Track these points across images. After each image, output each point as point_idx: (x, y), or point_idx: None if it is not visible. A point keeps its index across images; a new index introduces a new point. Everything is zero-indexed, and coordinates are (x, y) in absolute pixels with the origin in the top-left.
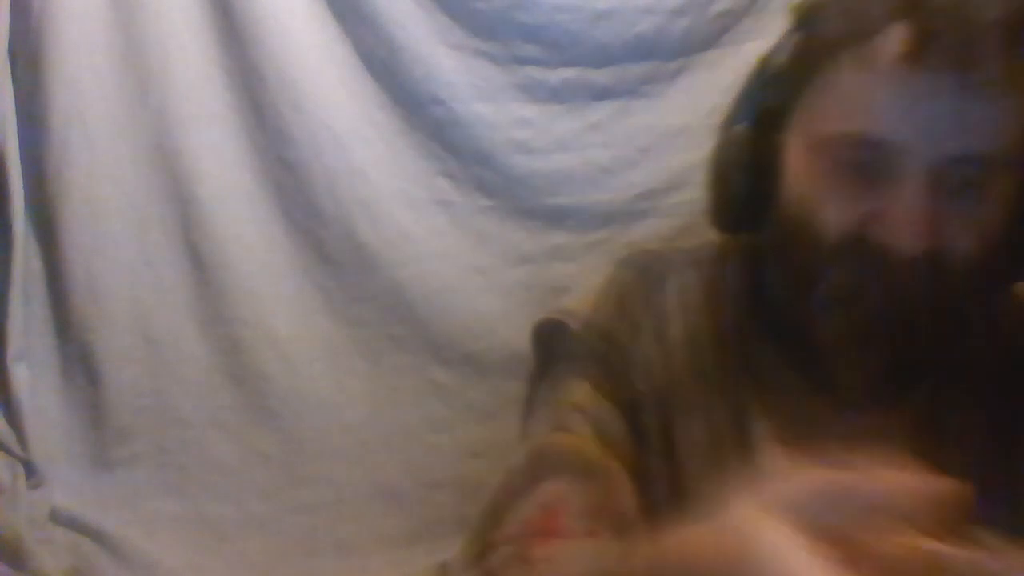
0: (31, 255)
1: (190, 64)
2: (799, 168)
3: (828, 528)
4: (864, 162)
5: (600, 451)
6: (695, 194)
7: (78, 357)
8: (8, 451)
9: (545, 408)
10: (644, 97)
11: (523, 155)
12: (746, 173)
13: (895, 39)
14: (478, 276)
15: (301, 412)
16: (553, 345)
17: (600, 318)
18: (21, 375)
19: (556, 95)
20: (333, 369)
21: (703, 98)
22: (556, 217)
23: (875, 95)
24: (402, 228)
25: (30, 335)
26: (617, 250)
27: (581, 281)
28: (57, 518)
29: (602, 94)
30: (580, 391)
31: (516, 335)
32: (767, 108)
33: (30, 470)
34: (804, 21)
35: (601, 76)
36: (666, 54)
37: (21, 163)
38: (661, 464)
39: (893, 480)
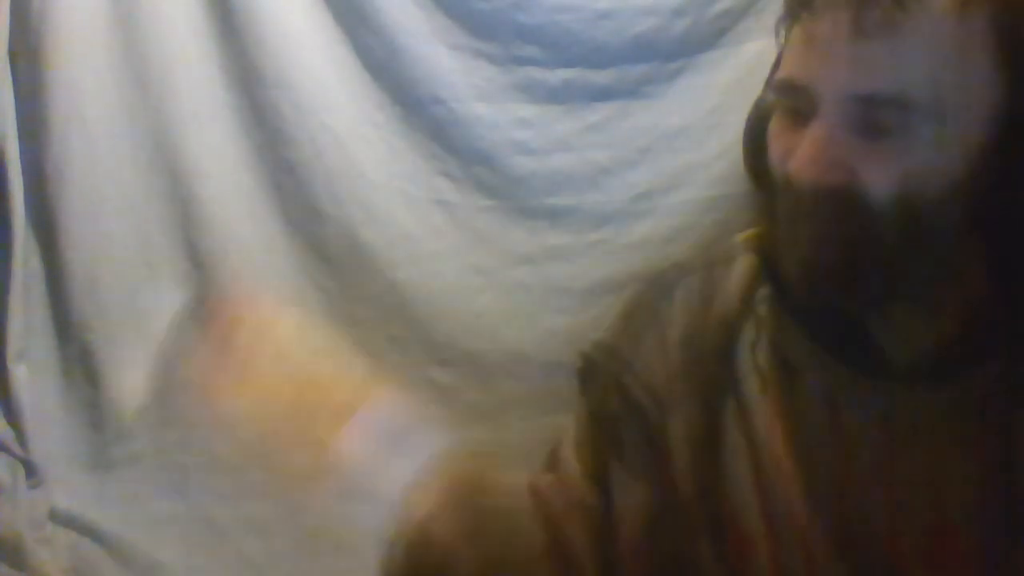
0: (31, 255)
1: (190, 64)
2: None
3: None
4: (793, 107)
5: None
6: (695, 194)
7: (78, 357)
8: (8, 451)
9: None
10: (644, 97)
11: (523, 155)
12: (754, 143)
13: None
14: (478, 276)
15: None
16: (584, 382)
17: (607, 337)
18: (21, 375)
19: (556, 95)
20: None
21: (703, 98)
22: (556, 217)
23: (796, 42)
24: (402, 228)
25: (30, 335)
26: (617, 250)
27: (581, 281)
28: (57, 518)
29: (602, 94)
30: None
31: (516, 335)
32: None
33: (30, 470)
34: None
35: (601, 76)
36: (666, 54)
37: (21, 163)
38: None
39: None
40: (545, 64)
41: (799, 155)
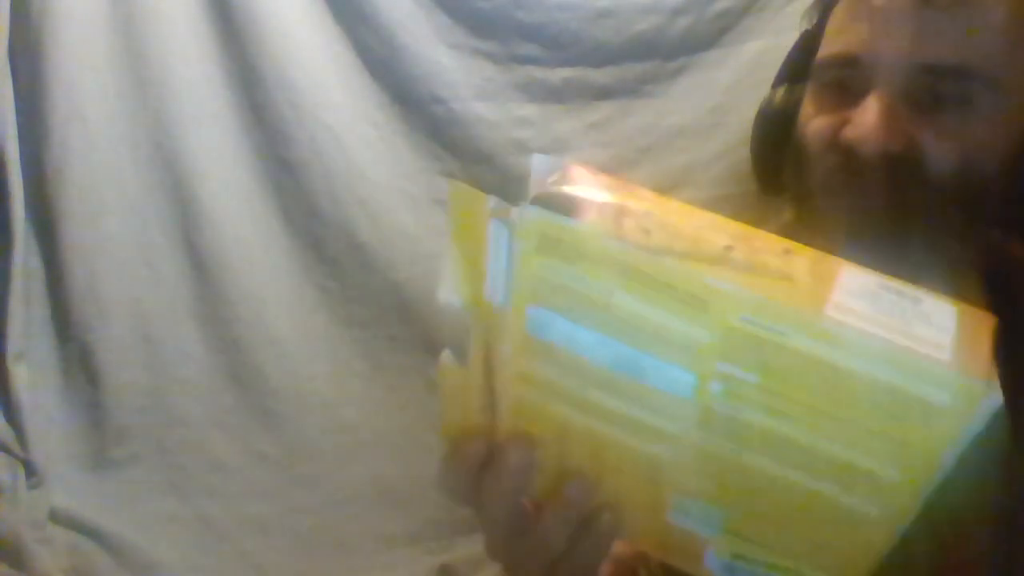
0: (31, 255)
1: (190, 64)
2: (805, 106)
3: None
4: (844, 80)
5: None
6: (695, 194)
7: (78, 357)
8: (8, 451)
9: None
10: (644, 96)
11: (523, 155)
12: (778, 133)
13: None
14: None
15: (301, 412)
16: None
17: None
18: (21, 375)
19: (556, 95)
20: (333, 369)
21: (703, 98)
22: None
23: (853, 18)
24: (402, 228)
25: (30, 335)
26: None
27: None
28: (57, 518)
29: (602, 93)
30: None
31: None
32: (796, 69)
33: (30, 470)
34: None
35: (601, 76)
36: (667, 53)
37: (21, 163)
38: None
39: None
40: (545, 63)
41: (860, 123)
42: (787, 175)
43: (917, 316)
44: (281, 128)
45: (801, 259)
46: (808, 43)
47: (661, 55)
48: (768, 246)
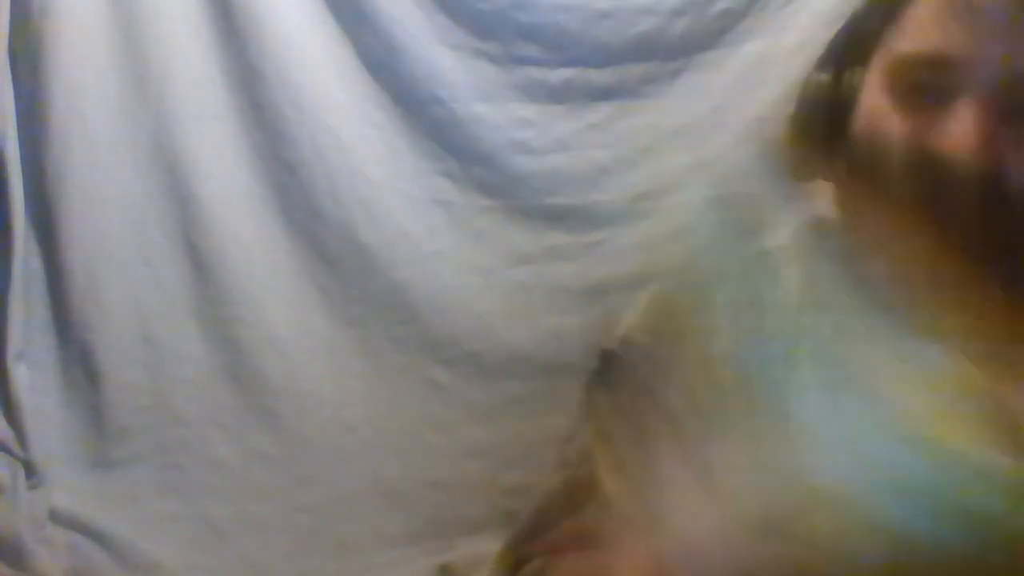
0: (31, 255)
1: (190, 64)
2: (871, 99)
3: None
4: (929, 81)
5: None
6: (695, 194)
7: (78, 357)
8: (8, 451)
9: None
10: (644, 97)
11: (523, 155)
12: (822, 117)
13: None
14: (478, 276)
15: (301, 412)
16: (605, 370)
17: (639, 336)
18: (21, 375)
19: (556, 95)
20: (333, 369)
21: (703, 98)
22: (556, 217)
23: (939, 15)
24: (402, 228)
25: (30, 335)
26: (617, 250)
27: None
28: (57, 518)
29: (602, 94)
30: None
31: (516, 335)
32: (849, 56)
33: (30, 470)
34: None
35: (601, 76)
36: (666, 54)
37: (21, 163)
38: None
39: None
40: (545, 64)
41: (954, 132)
42: (840, 168)
43: None
44: (282, 128)
45: None
46: (860, 25)
47: (661, 56)
48: None
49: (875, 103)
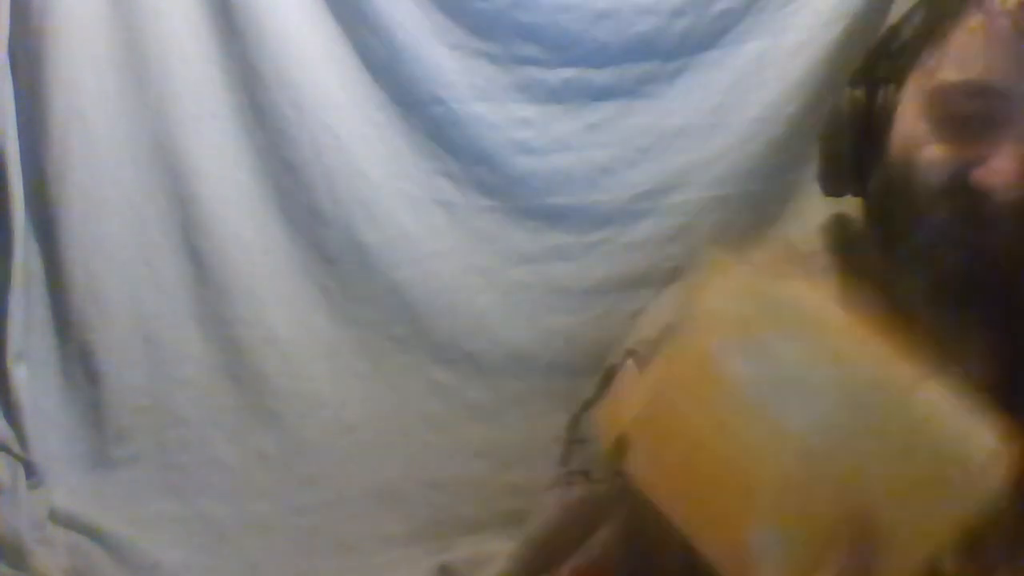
0: (31, 255)
1: (190, 64)
2: (908, 122)
3: None
4: (973, 111)
5: None
6: (695, 194)
7: (78, 357)
8: (8, 451)
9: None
10: (644, 97)
11: (523, 155)
12: (857, 134)
13: None
14: (478, 276)
15: (301, 412)
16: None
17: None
18: (21, 375)
19: (556, 95)
20: (333, 369)
21: (703, 98)
22: (556, 217)
23: (987, 44)
24: (402, 228)
25: (30, 335)
26: (617, 250)
27: (581, 281)
28: (57, 518)
29: (602, 94)
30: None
31: (516, 335)
32: (884, 73)
33: (30, 470)
34: None
35: (601, 76)
36: (666, 54)
37: (21, 163)
38: None
39: None
40: (545, 64)
41: (1000, 170)
42: (871, 188)
43: None
44: (282, 128)
45: None
46: (897, 42)
47: (661, 56)
48: None
49: (913, 127)
